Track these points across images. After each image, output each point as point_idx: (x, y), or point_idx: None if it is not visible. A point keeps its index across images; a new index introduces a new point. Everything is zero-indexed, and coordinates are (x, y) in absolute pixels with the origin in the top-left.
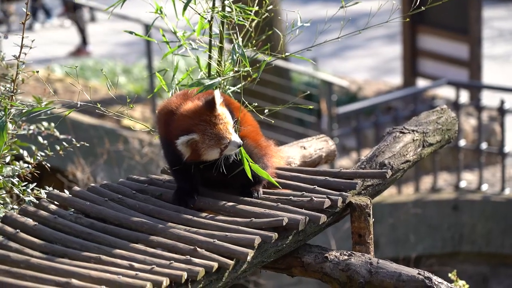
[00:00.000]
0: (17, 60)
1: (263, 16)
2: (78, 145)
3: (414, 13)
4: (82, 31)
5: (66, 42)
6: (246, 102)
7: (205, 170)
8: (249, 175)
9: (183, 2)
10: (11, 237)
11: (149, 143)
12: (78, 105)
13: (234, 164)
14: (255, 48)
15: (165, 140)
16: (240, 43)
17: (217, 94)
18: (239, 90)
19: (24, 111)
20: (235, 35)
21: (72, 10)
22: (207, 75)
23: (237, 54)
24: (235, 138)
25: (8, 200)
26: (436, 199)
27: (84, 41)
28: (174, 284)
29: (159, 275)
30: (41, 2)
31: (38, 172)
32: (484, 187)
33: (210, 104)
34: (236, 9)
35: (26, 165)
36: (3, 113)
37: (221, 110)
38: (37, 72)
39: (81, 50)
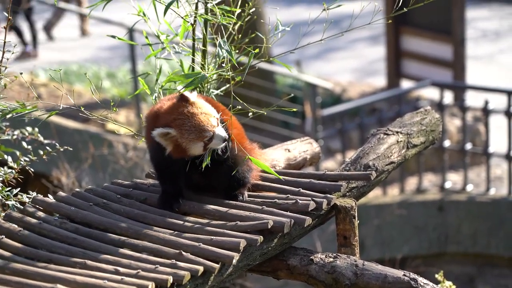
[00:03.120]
0: None
1: (246, 19)
2: (62, 149)
3: (396, 14)
4: (33, 31)
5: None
6: (231, 105)
7: (190, 173)
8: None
9: (164, 4)
10: None
11: (134, 147)
12: (61, 107)
13: (219, 165)
14: (237, 51)
15: (151, 144)
16: (225, 41)
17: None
18: (222, 93)
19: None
20: (218, 38)
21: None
22: None
23: (223, 51)
24: (219, 131)
25: None
26: (421, 200)
27: (34, 42)
28: None
29: (145, 280)
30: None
31: (22, 177)
32: (469, 187)
33: (182, 96)
34: (218, 12)
35: (10, 170)
36: None
37: (196, 100)
38: (21, 73)
39: (28, 53)
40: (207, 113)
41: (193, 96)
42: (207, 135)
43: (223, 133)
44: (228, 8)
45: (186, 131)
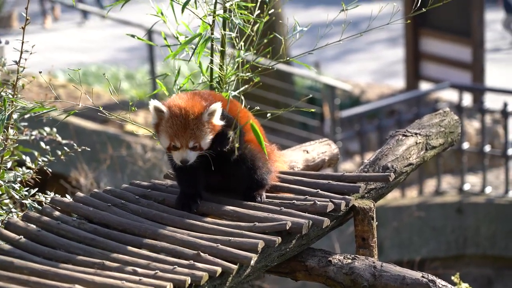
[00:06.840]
0: (17, 65)
1: (265, 20)
2: (80, 150)
3: (415, 14)
4: None
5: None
6: (249, 106)
7: (209, 174)
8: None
9: (181, 4)
10: (14, 243)
11: (152, 148)
12: (79, 105)
13: (238, 166)
14: (255, 52)
15: None
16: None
17: (217, 107)
18: (238, 94)
19: (24, 110)
20: (237, 39)
21: None
22: (209, 79)
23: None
24: (182, 155)
25: (11, 206)
26: (440, 202)
27: None
28: None
29: (163, 280)
30: None
31: (41, 177)
32: (488, 189)
33: (204, 108)
34: (236, 9)
35: (28, 170)
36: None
37: (205, 123)
38: (40, 72)
39: None
40: (196, 135)
41: (206, 116)
42: (175, 144)
43: (181, 158)
44: (245, 4)
45: (170, 125)
